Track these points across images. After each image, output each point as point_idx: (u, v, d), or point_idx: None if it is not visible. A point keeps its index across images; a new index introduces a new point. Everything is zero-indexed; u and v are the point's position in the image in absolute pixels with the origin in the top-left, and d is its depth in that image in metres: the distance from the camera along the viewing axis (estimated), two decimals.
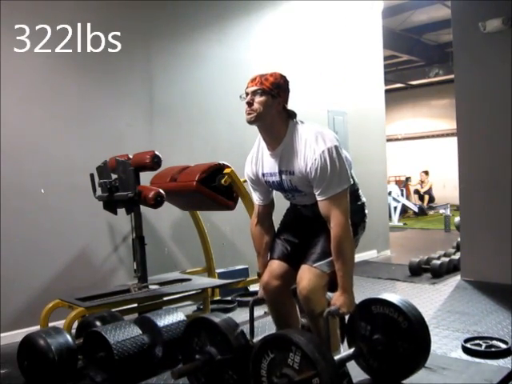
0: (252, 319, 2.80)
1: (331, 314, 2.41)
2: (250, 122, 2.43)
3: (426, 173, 14.68)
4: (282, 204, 2.82)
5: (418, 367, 2.68)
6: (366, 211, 2.71)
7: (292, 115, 2.51)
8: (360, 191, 2.69)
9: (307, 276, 2.47)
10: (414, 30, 11.74)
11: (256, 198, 2.76)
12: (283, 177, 2.52)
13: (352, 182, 2.48)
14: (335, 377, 2.17)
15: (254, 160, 2.64)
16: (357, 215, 2.58)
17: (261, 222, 2.77)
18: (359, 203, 2.66)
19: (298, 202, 2.68)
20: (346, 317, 2.84)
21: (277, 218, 2.83)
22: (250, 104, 2.40)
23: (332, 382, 2.13)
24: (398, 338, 2.66)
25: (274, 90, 2.40)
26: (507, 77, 5.05)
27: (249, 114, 2.41)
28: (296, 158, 2.43)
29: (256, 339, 2.75)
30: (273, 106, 2.41)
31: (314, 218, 2.57)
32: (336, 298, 2.44)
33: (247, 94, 2.44)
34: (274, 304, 2.71)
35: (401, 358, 2.66)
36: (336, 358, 2.42)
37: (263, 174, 2.61)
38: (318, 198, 2.42)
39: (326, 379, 2.11)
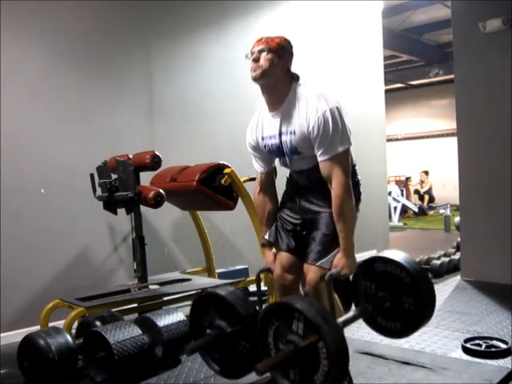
0: (259, 289, 2.81)
1: (333, 276, 2.42)
2: (256, 79, 2.46)
3: (426, 173, 14.70)
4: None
5: (425, 321, 2.66)
6: (361, 190, 2.70)
7: (295, 77, 2.54)
8: (357, 168, 2.68)
9: (313, 269, 2.50)
10: (414, 30, 11.75)
11: (258, 165, 2.76)
12: (283, 138, 2.51)
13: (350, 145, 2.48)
14: (339, 339, 2.17)
15: (255, 125, 2.65)
16: (354, 191, 2.57)
17: (263, 190, 2.77)
18: (356, 180, 2.65)
19: (294, 168, 2.66)
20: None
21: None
22: (256, 60, 2.44)
23: (336, 344, 2.13)
24: (403, 294, 2.62)
25: (280, 50, 2.45)
26: (507, 77, 5.05)
27: (255, 70, 2.44)
28: (298, 117, 2.44)
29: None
30: (278, 65, 2.45)
31: (310, 186, 2.60)
32: (337, 260, 2.45)
33: (253, 52, 2.46)
34: (284, 296, 2.71)
35: (407, 313, 2.62)
36: (341, 319, 2.45)
37: (263, 138, 2.61)
38: (320, 158, 2.42)
39: (330, 342, 2.11)
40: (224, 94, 5.50)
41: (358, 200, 2.63)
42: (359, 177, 2.69)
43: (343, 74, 7.04)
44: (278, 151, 2.59)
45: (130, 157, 3.97)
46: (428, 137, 17.36)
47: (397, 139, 17.56)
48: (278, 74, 2.46)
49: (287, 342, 2.23)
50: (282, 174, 2.82)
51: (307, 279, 2.53)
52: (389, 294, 2.67)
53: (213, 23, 5.55)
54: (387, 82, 10.52)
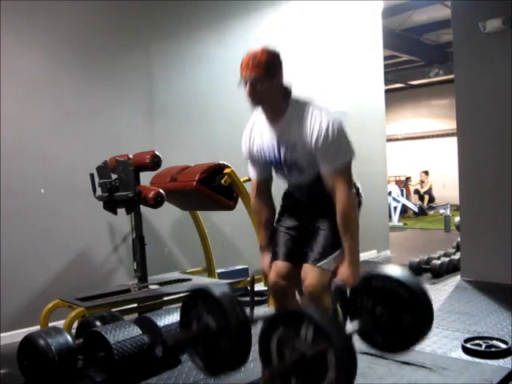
0: (253, 292, 2.80)
1: (339, 287, 2.43)
2: (254, 106, 2.47)
3: (426, 173, 14.69)
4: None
5: (423, 336, 2.66)
6: (363, 195, 2.70)
7: (289, 90, 2.49)
8: (353, 177, 2.66)
9: (311, 274, 2.48)
10: (414, 30, 11.74)
11: (253, 173, 2.73)
12: (282, 150, 2.50)
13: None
14: (349, 348, 2.17)
15: (252, 134, 2.63)
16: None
17: (259, 196, 2.76)
18: (353, 189, 2.63)
19: (292, 182, 2.64)
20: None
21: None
22: (250, 91, 2.40)
23: (346, 353, 2.12)
24: (401, 309, 2.62)
25: (270, 72, 2.39)
26: (507, 77, 5.05)
27: (251, 101, 2.43)
28: (300, 128, 2.41)
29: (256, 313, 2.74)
30: (272, 87, 2.41)
31: (310, 202, 2.59)
32: (343, 270, 2.46)
33: (244, 80, 2.41)
34: (280, 302, 2.70)
35: (405, 328, 2.62)
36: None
37: (261, 148, 2.59)
38: (323, 171, 2.42)
39: (340, 350, 2.10)
40: (224, 94, 5.49)
41: (359, 204, 2.64)
42: (358, 185, 2.68)
43: (343, 74, 7.04)
44: (275, 162, 2.57)
45: (130, 157, 3.97)
46: (428, 137, 17.36)
47: (397, 139, 17.55)
48: (273, 95, 2.44)
49: (294, 349, 2.21)
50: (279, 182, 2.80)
51: (306, 283, 2.50)
52: (386, 309, 2.67)
53: (213, 23, 5.55)
54: (387, 82, 10.52)
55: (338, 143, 2.38)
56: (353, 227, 2.43)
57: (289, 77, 2.50)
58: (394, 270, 2.73)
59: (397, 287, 2.65)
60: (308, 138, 2.39)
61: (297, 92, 2.51)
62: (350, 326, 2.63)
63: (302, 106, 2.45)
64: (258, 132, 2.60)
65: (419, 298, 2.61)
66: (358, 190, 2.68)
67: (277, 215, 2.79)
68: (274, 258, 2.69)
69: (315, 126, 2.37)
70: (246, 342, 2.44)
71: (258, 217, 2.80)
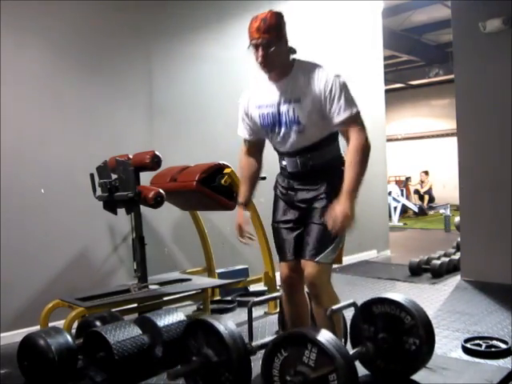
0: (251, 321, 2.80)
1: (334, 311, 2.41)
2: (265, 71, 2.50)
3: (426, 173, 14.68)
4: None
5: (424, 363, 2.67)
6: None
7: (293, 50, 2.55)
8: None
9: (310, 264, 2.49)
10: (414, 30, 11.74)
11: (244, 131, 2.73)
12: (283, 108, 2.49)
13: None
14: (352, 372, 2.16)
15: (252, 92, 2.65)
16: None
17: (248, 154, 2.79)
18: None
19: (286, 147, 2.59)
20: (348, 319, 2.84)
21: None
22: (263, 57, 2.42)
23: (349, 377, 2.12)
24: (403, 335, 2.66)
25: (279, 34, 2.46)
26: (508, 77, 5.06)
27: (261, 61, 2.44)
28: (307, 82, 2.45)
29: (255, 342, 2.75)
30: (282, 49, 2.47)
31: (303, 173, 2.57)
32: (335, 205, 2.37)
33: (253, 44, 2.45)
34: (292, 297, 2.73)
35: (407, 354, 2.65)
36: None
37: (259, 106, 2.59)
38: (336, 119, 2.42)
39: (343, 375, 2.10)
40: (223, 93, 5.49)
41: None
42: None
43: (343, 73, 7.02)
44: (273, 121, 2.55)
45: (130, 157, 3.97)
46: (428, 137, 17.35)
47: (397, 139, 17.54)
48: (283, 56, 2.49)
49: (296, 373, 2.21)
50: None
51: (305, 274, 2.52)
52: (389, 335, 2.68)
53: (212, 23, 5.54)
54: (387, 81, 10.51)
55: (346, 95, 2.42)
56: (361, 162, 2.41)
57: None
58: (395, 295, 2.76)
59: (398, 312, 2.67)
60: (317, 88, 2.42)
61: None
62: (352, 351, 2.63)
63: (306, 64, 2.52)
64: (258, 92, 2.61)
65: (421, 322, 2.64)
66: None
67: (272, 208, 2.78)
68: (282, 258, 2.70)
69: (322, 77, 2.43)
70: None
71: (243, 171, 2.81)
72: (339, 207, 2.35)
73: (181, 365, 2.77)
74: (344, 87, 2.43)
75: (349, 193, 2.36)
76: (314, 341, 2.17)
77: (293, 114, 2.47)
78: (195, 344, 2.71)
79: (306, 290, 2.73)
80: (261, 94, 2.59)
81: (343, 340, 2.71)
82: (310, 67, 2.49)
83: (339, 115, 2.41)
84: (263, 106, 2.57)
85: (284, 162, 2.65)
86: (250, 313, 2.80)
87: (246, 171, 2.79)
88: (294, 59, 2.55)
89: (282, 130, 2.54)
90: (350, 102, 2.42)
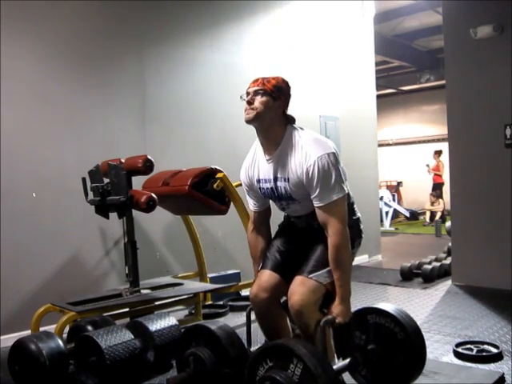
0: (249, 327, 2.79)
1: (328, 323, 2.37)
2: (249, 121, 2.40)
3: (439, 153, 13.68)
4: (278, 212, 2.78)
5: (413, 379, 2.66)
6: (362, 226, 2.68)
7: (291, 120, 2.49)
8: (355, 206, 2.65)
9: (300, 290, 2.39)
10: (405, 36, 11.78)
11: (252, 204, 2.71)
12: (278, 184, 2.48)
13: (347, 192, 2.43)
14: None
15: (250, 166, 2.60)
16: (353, 230, 2.52)
17: (257, 228, 2.73)
18: (354, 218, 2.61)
19: (291, 213, 2.64)
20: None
21: (273, 226, 2.80)
22: (250, 103, 2.39)
23: None
24: (394, 349, 2.63)
25: (276, 93, 2.40)
26: (498, 83, 5.10)
27: (248, 113, 2.39)
28: (292, 163, 2.39)
29: (253, 347, 2.73)
30: (273, 108, 2.39)
31: (309, 229, 2.56)
32: (334, 307, 2.41)
33: (248, 93, 2.42)
34: (262, 317, 2.60)
35: (396, 369, 2.62)
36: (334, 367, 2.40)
37: (258, 181, 2.57)
38: (315, 205, 2.39)
39: None
40: (217, 98, 5.51)
41: (359, 237, 2.66)
42: (358, 214, 2.66)
43: (335, 79, 7.07)
44: (273, 195, 2.55)
45: (123, 161, 3.97)
46: (419, 142, 17.40)
47: (388, 144, 17.60)
48: (272, 117, 2.41)
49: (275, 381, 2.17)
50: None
51: (295, 295, 2.39)
52: (379, 347, 2.65)
53: (206, 28, 5.56)
54: (379, 87, 10.55)
55: (329, 179, 2.33)
56: (344, 263, 2.38)
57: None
58: (390, 307, 2.74)
59: (392, 326, 2.64)
60: (300, 173, 2.37)
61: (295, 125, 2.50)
62: (340, 363, 2.60)
63: (296, 138, 2.42)
64: (256, 165, 2.58)
65: (414, 339, 2.61)
66: (358, 219, 2.66)
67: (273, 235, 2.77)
68: (262, 267, 2.63)
69: (307, 160, 2.34)
70: None
71: (253, 249, 2.75)
72: (338, 309, 2.41)
73: (178, 371, 2.76)
74: (329, 170, 2.32)
75: (343, 298, 2.42)
76: (300, 357, 2.14)
77: (285, 192, 2.47)
78: (194, 350, 2.69)
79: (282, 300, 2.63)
80: (258, 168, 2.56)
81: (334, 349, 2.66)
82: (300, 143, 2.39)
83: (317, 202, 2.37)
84: (262, 180, 2.56)
85: (291, 217, 2.70)
86: (248, 318, 2.78)
87: (257, 248, 2.73)
88: (288, 127, 2.47)
89: (283, 202, 2.57)
90: (330, 189, 2.33)
